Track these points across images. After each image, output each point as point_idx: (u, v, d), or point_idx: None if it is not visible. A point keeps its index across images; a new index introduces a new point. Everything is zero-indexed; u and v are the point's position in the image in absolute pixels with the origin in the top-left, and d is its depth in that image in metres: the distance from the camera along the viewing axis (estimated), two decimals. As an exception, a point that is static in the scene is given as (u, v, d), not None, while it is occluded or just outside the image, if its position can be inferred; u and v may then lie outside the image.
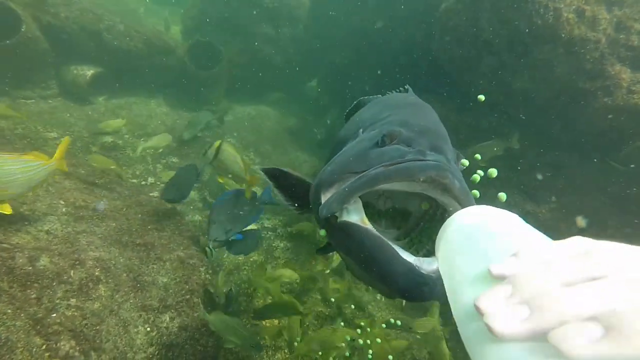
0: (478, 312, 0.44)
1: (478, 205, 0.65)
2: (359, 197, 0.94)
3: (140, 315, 2.62)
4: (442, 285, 0.72)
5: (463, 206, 0.89)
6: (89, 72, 5.43)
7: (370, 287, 3.34)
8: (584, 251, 0.45)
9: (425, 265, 0.85)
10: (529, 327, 0.39)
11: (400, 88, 1.86)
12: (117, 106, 5.83)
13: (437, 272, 0.84)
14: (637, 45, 3.35)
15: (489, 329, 0.41)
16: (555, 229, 3.71)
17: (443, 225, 0.66)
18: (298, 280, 3.48)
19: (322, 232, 1.19)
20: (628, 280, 0.38)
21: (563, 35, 3.39)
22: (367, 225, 0.90)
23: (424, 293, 0.84)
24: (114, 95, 5.92)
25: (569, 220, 3.69)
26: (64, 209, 3.07)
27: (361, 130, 1.32)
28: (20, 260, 2.32)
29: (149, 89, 6.24)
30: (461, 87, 4.57)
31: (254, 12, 6.78)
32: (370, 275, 0.91)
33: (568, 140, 3.85)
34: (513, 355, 0.40)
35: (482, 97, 1.10)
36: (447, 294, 0.58)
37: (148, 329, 2.59)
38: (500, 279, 0.47)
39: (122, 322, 2.49)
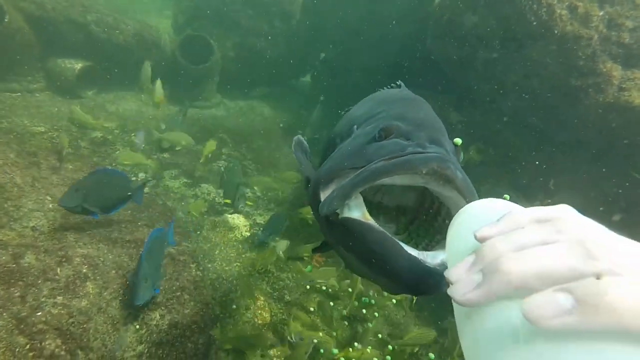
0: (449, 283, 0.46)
1: (487, 199, 0.66)
2: (359, 192, 0.93)
3: (130, 312, 2.58)
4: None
5: (465, 197, 0.88)
6: (77, 65, 5.32)
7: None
8: (556, 217, 0.46)
9: (429, 259, 0.84)
10: (480, 293, 0.41)
11: (392, 84, 1.83)
12: (106, 100, 5.73)
13: (442, 265, 0.83)
14: (628, 42, 3.37)
15: (452, 299, 0.44)
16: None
17: (454, 217, 0.66)
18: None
19: None
20: (585, 246, 0.39)
21: (556, 32, 3.40)
22: (369, 220, 0.88)
23: (430, 286, 0.82)
24: (104, 89, 5.81)
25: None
26: (50, 205, 3.00)
27: (355, 126, 1.30)
28: (4, 258, 2.26)
29: (139, 84, 6.13)
30: (455, 83, 4.57)
31: (246, 6, 6.70)
32: (374, 271, 0.90)
33: (561, 138, 3.87)
34: (483, 323, 0.42)
35: (458, 141, 1.10)
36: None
37: (137, 326, 2.54)
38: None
39: (111, 319, 2.45)
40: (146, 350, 2.47)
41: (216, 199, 4.62)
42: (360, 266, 1.01)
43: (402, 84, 1.76)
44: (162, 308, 2.71)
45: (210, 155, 4.54)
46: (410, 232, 1.16)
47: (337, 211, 0.93)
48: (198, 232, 3.93)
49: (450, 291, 0.45)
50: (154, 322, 2.61)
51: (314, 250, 1.79)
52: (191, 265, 3.14)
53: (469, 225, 0.56)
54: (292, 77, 7.75)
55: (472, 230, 0.50)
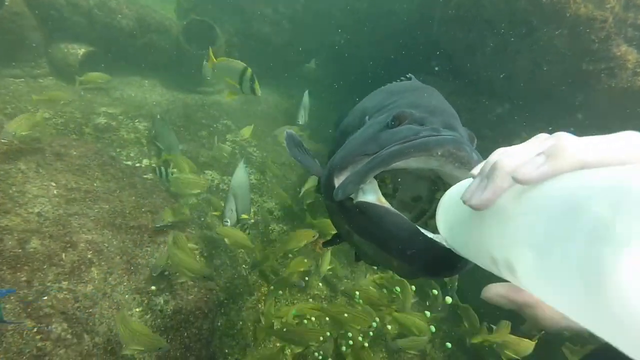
0: (464, 202, 0.56)
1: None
2: (373, 177, 0.92)
3: (134, 298, 2.61)
4: (463, 263, 0.79)
5: None
6: (80, 50, 5.28)
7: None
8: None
9: (445, 243, 0.83)
10: (487, 193, 0.51)
11: (402, 78, 1.83)
12: (110, 87, 5.69)
13: None
14: (645, 25, 3.25)
15: (470, 207, 0.54)
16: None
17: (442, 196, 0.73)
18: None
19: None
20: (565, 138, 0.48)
21: (568, 15, 3.28)
22: (385, 204, 0.88)
23: (446, 267, 0.82)
24: (107, 74, 5.77)
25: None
26: (55, 191, 3.01)
27: (367, 117, 1.29)
28: (10, 243, 2.28)
29: (143, 69, 6.09)
30: (462, 69, 4.46)
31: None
32: (390, 254, 0.89)
33: (571, 125, 3.78)
34: (488, 219, 0.52)
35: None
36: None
37: (142, 311, 2.57)
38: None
39: (116, 304, 2.47)
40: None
41: (220, 185, 4.62)
42: (373, 253, 1.01)
43: (413, 77, 1.76)
44: (167, 294, 2.74)
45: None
46: (427, 221, 1.16)
47: (352, 196, 0.92)
48: (202, 219, 3.94)
49: (467, 202, 0.54)
50: (159, 308, 2.63)
51: (325, 244, 1.81)
52: (196, 252, 3.15)
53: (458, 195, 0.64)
54: (297, 62, 7.64)
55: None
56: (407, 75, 1.78)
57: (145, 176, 4.08)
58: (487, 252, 0.53)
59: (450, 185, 1.01)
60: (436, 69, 4.63)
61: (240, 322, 3.21)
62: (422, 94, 1.33)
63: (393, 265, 1.01)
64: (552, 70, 3.54)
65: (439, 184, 1.11)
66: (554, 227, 0.38)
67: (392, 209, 0.87)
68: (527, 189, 0.46)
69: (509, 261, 0.46)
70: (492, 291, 0.58)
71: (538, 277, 0.40)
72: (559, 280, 0.36)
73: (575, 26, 3.28)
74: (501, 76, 3.97)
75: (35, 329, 2.02)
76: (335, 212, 1.06)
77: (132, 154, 4.55)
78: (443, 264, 0.82)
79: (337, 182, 0.99)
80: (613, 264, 0.29)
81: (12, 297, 2.09)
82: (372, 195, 0.90)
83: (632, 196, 0.31)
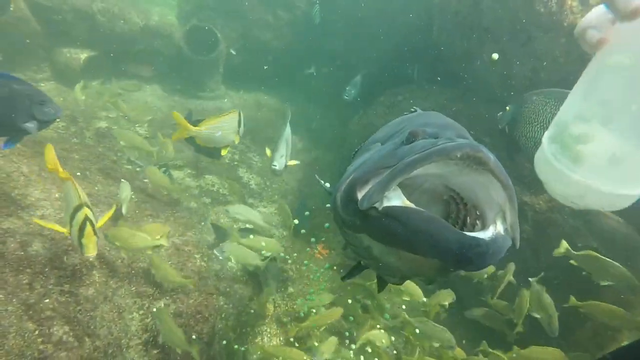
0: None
1: None
2: (397, 185, 0.96)
3: (135, 301, 2.62)
4: (493, 251, 0.85)
5: (499, 178, 0.92)
6: (83, 55, 5.32)
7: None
8: None
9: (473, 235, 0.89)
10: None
11: (407, 111, 1.96)
12: (112, 91, 5.73)
13: (487, 239, 0.88)
14: (640, 34, 3.30)
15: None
16: (551, 221, 3.72)
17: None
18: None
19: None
20: None
21: (565, 24, 3.34)
22: (411, 205, 0.92)
23: (478, 257, 0.86)
24: (109, 79, 5.81)
25: (564, 211, 3.70)
26: (57, 194, 3.02)
27: (379, 144, 1.34)
28: (12, 245, 2.29)
29: (145, 74, 6.13)
30: (460, 76, 4.51)
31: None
32: (421, 251, 0.92)
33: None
34: None
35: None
36: None
37: (143, 315, 2.58)
38: None
39: (117, 308, 2.48)
40: (151, 338, 2.51)
41: (220, 190, 4.64)
42: (397, 260, 1.04)
43: (418, 109, 1.86)
44: (167, 297, 2.75)
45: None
46: None
47: (376, 205, 0.95)
48: (202, 223, 3.95)
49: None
50: (159, 311, 2.64)
51: (344, 278, 1.81)
52: (196, 255, 3.17)
53: None
54: (297, 68, 7.70)
55: None
56: (412, 109, 1.87)
57: (145, 180, 4.09)
58: None
59: (464, 198, 1.08)
60: (436, 77, 4.68)
61: (240, 326, 3.21)
62: (429, 116, 1.42)
63: (420, 269, 1.03)
64: (550, 77, 3.59)
65: (452, 205, 1.16)
66: None
67: (419, 208, 0.90)
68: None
69: None
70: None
71: None
72: None
73: (572, 35, 3.33)
74: (500, 83, 4.02)
75: (36, 332, 2.03)
76: (357, 226, 1.07)
77: (132, 159, 4.57)
78: (473, 252, 0.85)
79: (360, 194, 1.02)
80: None
81: (14, 300, 2.10)
82: (397, 200, 0.93)
83: None
